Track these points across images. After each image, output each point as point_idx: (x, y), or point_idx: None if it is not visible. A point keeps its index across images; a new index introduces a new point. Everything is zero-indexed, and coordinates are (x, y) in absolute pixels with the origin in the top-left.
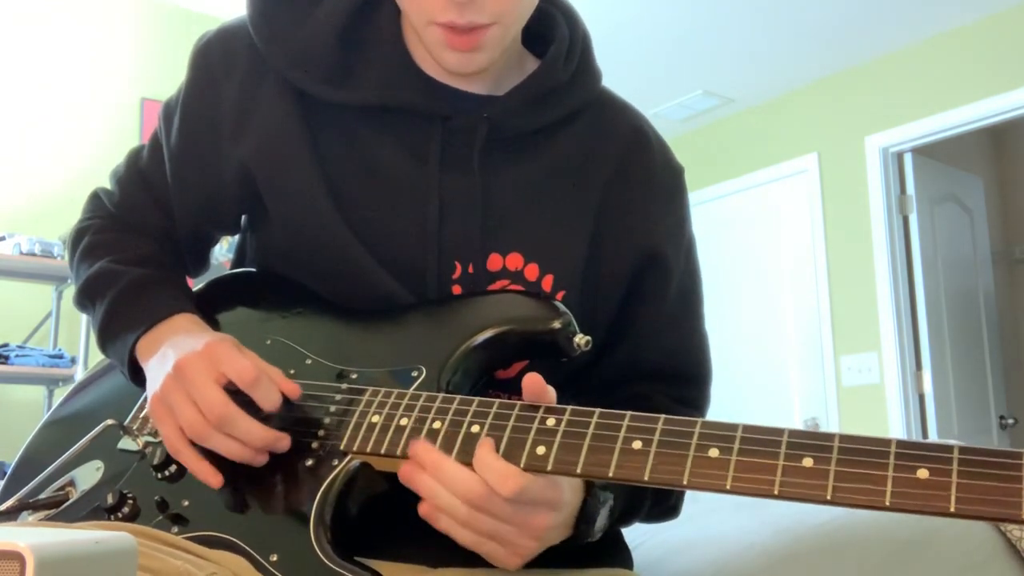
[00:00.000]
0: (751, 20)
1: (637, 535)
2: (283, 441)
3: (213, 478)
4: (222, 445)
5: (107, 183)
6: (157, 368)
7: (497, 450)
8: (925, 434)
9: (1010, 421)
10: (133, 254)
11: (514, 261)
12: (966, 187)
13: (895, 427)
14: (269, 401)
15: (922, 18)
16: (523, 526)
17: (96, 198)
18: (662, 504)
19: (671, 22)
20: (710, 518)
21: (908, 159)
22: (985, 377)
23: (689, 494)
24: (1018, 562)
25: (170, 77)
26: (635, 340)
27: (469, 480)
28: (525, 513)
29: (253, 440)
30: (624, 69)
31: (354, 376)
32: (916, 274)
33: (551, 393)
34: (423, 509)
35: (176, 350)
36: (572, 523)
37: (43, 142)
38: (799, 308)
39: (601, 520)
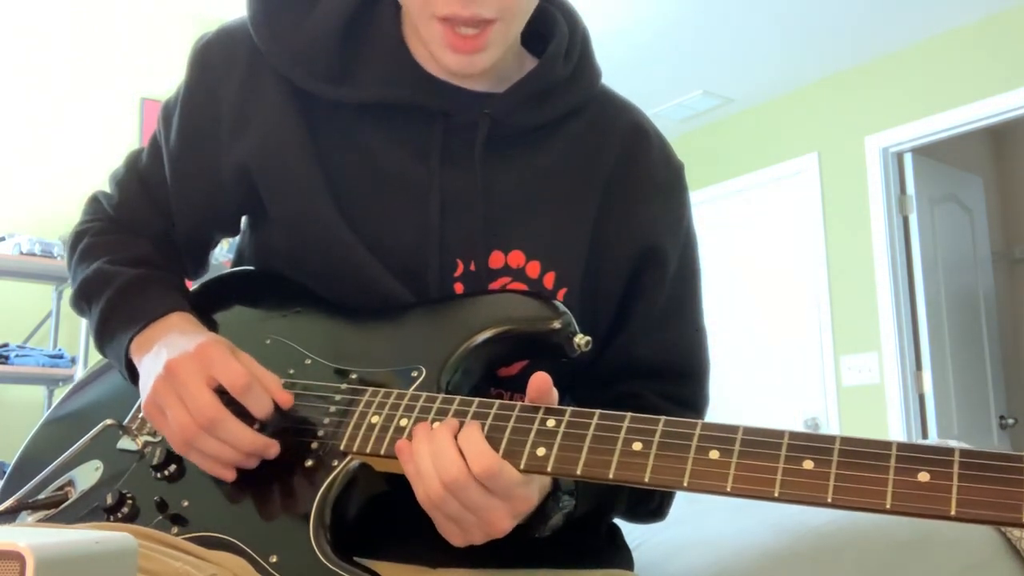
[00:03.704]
0: (751, 20)
1: (637, 535)
2: (272, 448)
3: (228, 472)
4: (211, 448)
5: (106, 185)
6: (150, 367)
7: (496, 450)
8: (925, 434)
9: (1010, 421)
10: (129, 255)
11: (516, 259)
12: (966, 187)
13: (895, 427)
14: (260, 409)
15: (922, 18)
16: (484, 521)
17: (95, 201)
18: (642, 506)
19: (671, 22)
20: (710, 519)
21: (908, 159)
22: (985, 377)
23: (687, 495)
24: (1018, 562)
25: (170, 77)
26: (629, 336)
27: (452, 459)
28: (490, 510)
29: (242, 445)
30: (624, 69)
31: (354, 376)
32: (916, 274)
33: (554, 395)
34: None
35: (169, 349)
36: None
37: (43, 142)
38: (799, 308)
39: (555, 521)
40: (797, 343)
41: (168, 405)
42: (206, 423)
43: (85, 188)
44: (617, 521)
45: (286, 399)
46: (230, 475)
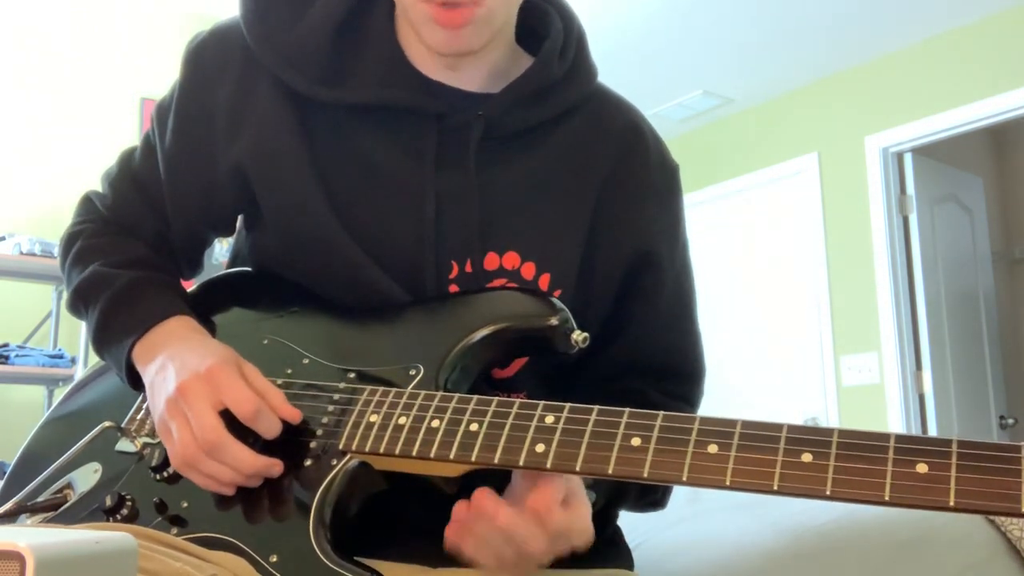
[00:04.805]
0: (751, 20)
1: (637, 535)
2: (275, 468)
3: (226, 490)
4: (212, 470)
5: (100, 185)
6: (156, 380)
7: (495, 447)
8: (925, 434)
9: (1010, 421)
10: (125, 257)
11: (511, 260)
12: (966, 187)
13: (895, 427)
14: (269, 431)
15: (922, 18)
16: (549, 553)
17: (88, 201)
18: (647, 496)
19: (671, 22)
20: (710, 518)
21: (908, 159)
22: (985, 377)
23: (690, 493)
24: (1018, 562)
25: (170, 77)
26: (631, 338)
27: (521, 524)
28: (555, 546)
29: (243, 468)
30: (624, 69)
31: (352, 375)
32: (916, 274)
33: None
34: (452, 532)
35: (176, 364)
36: None
37: (43, 142)
38: (799, 308)
39: None
40: (797, 343)
41: (176, 427)
42: (207, 447)
43: (85, 188)
44: (617, 521)
45: (294, 415)
46: (229, 492)
